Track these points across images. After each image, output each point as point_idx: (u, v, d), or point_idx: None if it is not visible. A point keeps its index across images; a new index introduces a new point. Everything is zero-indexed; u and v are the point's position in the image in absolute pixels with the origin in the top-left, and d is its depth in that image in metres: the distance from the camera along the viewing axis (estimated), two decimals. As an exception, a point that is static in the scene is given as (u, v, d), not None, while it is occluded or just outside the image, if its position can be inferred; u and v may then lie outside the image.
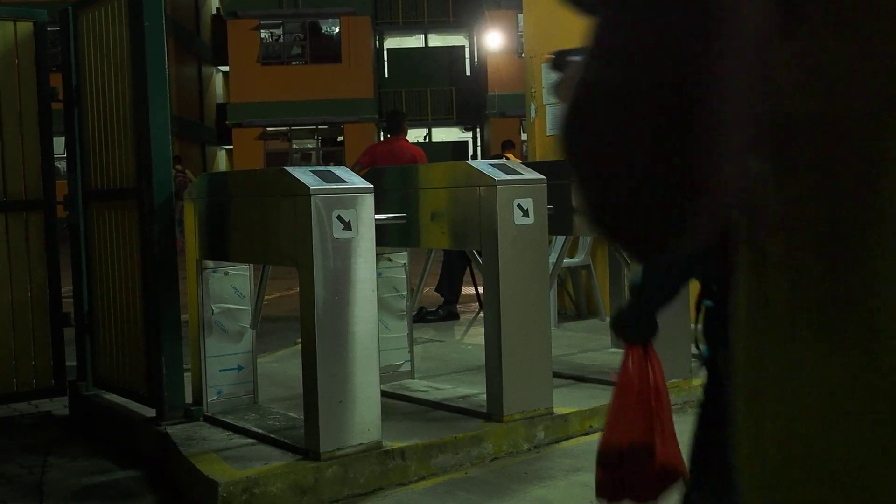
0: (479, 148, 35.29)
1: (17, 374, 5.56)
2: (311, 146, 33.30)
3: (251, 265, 4.88)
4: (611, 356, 6.16)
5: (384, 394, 4.43)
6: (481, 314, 4.68)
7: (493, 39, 31.66)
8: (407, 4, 34.17)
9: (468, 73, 35.98)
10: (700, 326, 1.95)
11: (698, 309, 1.84)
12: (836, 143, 0.66)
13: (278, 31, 33.09)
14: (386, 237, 4.64)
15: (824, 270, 0.68)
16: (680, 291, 2.10)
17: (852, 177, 0.66)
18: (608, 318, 6.83)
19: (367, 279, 4.01)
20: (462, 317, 8.44)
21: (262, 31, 32.63)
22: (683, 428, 4.85)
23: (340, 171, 4.10)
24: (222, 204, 4.65)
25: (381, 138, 28.64)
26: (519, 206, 4.45)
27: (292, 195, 3.98)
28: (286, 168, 4.11)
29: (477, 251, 4.67)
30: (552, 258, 5.51)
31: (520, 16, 24.01)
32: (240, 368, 4.89)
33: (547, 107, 8.51)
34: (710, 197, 0.65)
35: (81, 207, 5.44)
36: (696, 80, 0.63)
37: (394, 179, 5.22)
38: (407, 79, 33.51)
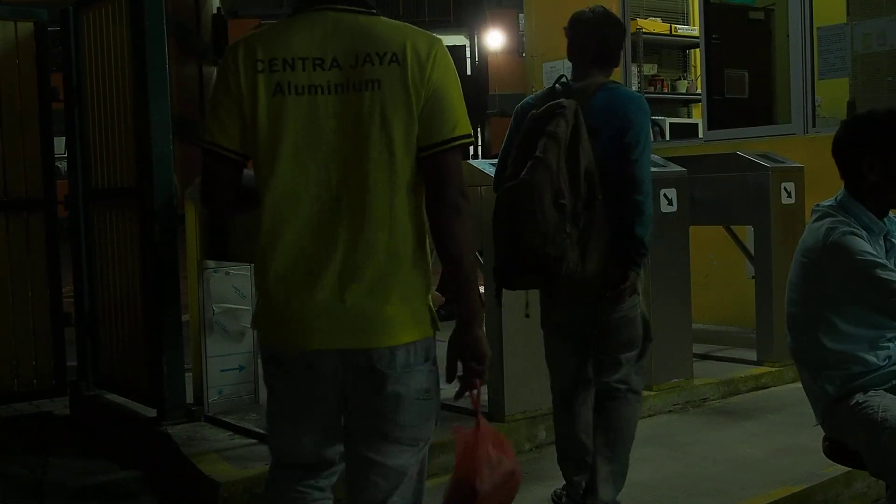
0: (479, 147, 35.28)
1: (18, 374, 5.55)
2: (311, 146, 33.29)
3: (252, 265, 4.87)
4: (612, 356, 6.15)
5: (385, 394, 4.42)
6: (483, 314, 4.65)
7: (495, 39, 31.65)
8: (408, 4, 34.16)
9: (469, 72, 35.92)
10: None
11: None
12: None
13: (279, 31, 33.11)
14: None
15: None
16: None
17: None
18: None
19: (369, 279, 4.00)
20: (463, 316, 8.41)
21: (262, 30, 32.63)
22: (686, 428, 4.82)
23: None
24: (223, 204, 4.64)
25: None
26: (520, 205, 4.43)
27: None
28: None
29: (478, 251, 4.66)
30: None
31: (521, 15, 24.01)
32: (241, 368, 4.89)
33: (548, 106, 8.49)
34: None
35: (82, 207, 5.43)
36: None
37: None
38: (408, 78, 33.43)
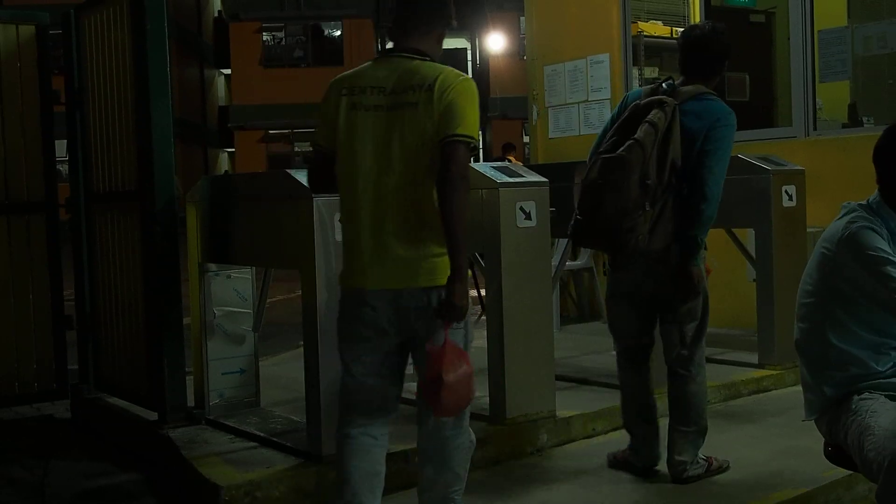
0: (480, 150, 35.30)
1: (19, 377, 5.55)
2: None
3: (253, 268, 4.87)
4: (613, 358, 6.13)
5: (386, 397, 4.41)
6: (483, 317, 4.66)
7: (496, 42, 31.62)
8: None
9: (470, 75, 35.96)
10: None
11: None
12: None
13: (280, 34, 33.08)
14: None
15: None
16: None
17: None
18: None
19: (370, 282, 4.00)
20: (464, 319, 8.40)
21: (264, 33, 32.62)
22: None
23: (342, 174, 4.09)
24: (225, 207, 4.65)
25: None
26: (521, 208, 4.44)
27: (294, 198, 3.97)
28: (288, 171, 4.10)
29: (479, 254, 4.67)
30: (555, 261, 5.50)
31: (522, 18, 24.03)
32: (242, 371, 4.88)
33: (549, 109, 8.50)
34: None
35: (83, 210, 5.44)
36: None
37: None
38: (409, 81, 33.40)
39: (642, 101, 3.87)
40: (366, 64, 3.23)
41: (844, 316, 2.95)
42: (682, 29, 8.88)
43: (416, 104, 3.03)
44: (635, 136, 3.73)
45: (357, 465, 3.16)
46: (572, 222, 3.93)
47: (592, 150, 4.02)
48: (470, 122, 3.02)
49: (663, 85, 3.97)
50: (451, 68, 3.13)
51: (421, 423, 3.19)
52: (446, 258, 3.00)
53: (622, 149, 3.72)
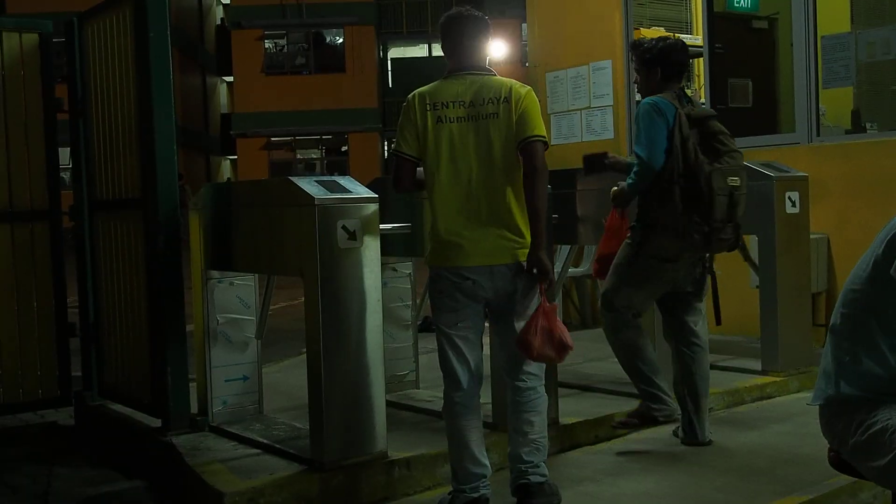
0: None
1: (23, 384, 5.56)
2: (315, 156, 33.30)
3: (256, 275, 4.88)
4: (616, 366, 6.13)
5: (390, 403, 4.42)
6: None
7: (497, 49, 31.65)
8: (411, 13, 34.24)
9: (472, 82, 35.93)
10: None
11: None
12: None
13: (282, 41, 33.12)
14: (391, 247, 4.64)
15: None
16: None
17: None
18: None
19: (373, 289, 4.00)
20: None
21: (266, 41, 32.66)
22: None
23: (345, 181, 4.10)
24: (227, 214, 4.65)
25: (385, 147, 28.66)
26: (524, 215, 4.43)
27: (297, 205, 3.97)
28: (291, 178, 4.10)
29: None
30: (557, 267, 5.50)
31: (524, 25, 24.03)
32: (245, 378, 4.89)
33: (551, 116, 8.51)
34: None
35: (87, 218, 5.44)
36: None
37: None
38: (411, 88, 32.97)
39: (696, 112, 4.42)
40: (439, 81, 3.82)
41: (894, 311, 2.66)
42: (685, 35, 8.93)
43: (497, 114, 3.70)
44: (735, 146, 4.42)
45: (465, 424, 3.76)
46: (698, 235, 4.36)
47: (653, 158, 4.35)
48: (540, 125, 3.72)
49: (681, 95, 4.50)
50: (513, 80, 3.79)
51: (510, 378, 3.81)
52: (525, 242, 3.69)
53: (734, 160, 4.38)
